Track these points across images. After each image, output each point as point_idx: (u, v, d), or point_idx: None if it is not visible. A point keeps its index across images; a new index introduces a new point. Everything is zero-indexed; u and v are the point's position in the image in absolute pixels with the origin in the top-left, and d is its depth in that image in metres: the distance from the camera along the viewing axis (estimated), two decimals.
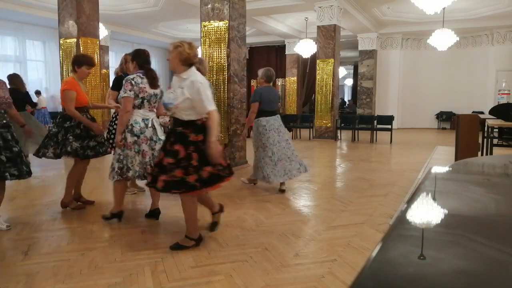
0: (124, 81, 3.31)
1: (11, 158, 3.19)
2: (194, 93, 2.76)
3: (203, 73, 3.80)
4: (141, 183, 4.38)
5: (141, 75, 3.34)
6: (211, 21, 6.16)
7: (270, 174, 4.48)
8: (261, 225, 3.44)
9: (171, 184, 2.72)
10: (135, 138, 3.29)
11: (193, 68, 2.89)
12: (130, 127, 3.29)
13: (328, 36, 10.50)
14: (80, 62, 3.83)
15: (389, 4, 11.30)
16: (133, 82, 3.26)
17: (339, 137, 10.91)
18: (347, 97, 25.59)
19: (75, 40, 6.98)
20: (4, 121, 3.27)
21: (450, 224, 0.88)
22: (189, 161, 2.72)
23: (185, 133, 2.78)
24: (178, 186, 2.73)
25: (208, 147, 2.73)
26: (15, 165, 3.20)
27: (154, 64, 17.53)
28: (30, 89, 10.41)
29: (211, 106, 2.80)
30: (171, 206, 4.00)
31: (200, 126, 2.81)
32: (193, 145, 2.75)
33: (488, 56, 13.71)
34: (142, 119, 3.35)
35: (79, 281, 2.38)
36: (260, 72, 4.81)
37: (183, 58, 2.80)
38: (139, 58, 3.48)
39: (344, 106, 20.39)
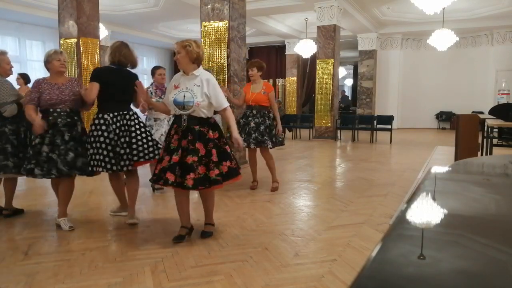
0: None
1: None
2: (211, 90, 2.91)
3: None
4: None
5: None
6: (211, 21, 6.16)
7: None
8: (261, 225, 3.44)
9: (198, 181, 2.82)
10: None
11: (201, 67, 3.03)
12: None
13: (328, 36, 10.50)
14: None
15: (389, 4, 11.30)
16: None
17: (339, 137, 10.91)
18: None
19: (75, 40, 6.97)
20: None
21: (450, 224, 0.88)
22: (210, 158, 2.86)
23: (202, 131, 2.89)
24: (203, 182, 2.84)
25: (235, 141, 3.03)
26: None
27: (154, 65, 17.51)
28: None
29: (226, 103, 3.01)
30: (172, 207, 4.00)
31: (214, 124, 2.98)
32: (211, 142, 2.90)
33: (488, 56, 13.72)
34: None
35: (79, 281, 2.38)
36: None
37: (193, 57, 2.89)
38: None
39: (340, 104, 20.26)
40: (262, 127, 4.55)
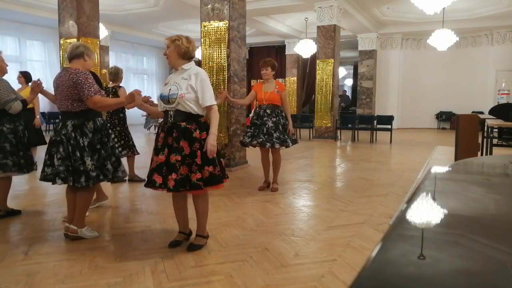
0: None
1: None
2: (199, 84, 2.74)
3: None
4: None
5: None
6: (211, 21, 6.16)
7: None
8: (261, 225, 3.44)
9: (179, 182, 2.66)
10: None
11: (193, 62, 2.89)
12: None
13: (328, 36, 10.50)
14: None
15: (389, 4, 11.30)
16: None
17: (339, 137, 10.92)
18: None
19: (75, 40, 6.97)
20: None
21: (450, 224, 0.88)
22: (194, 159, 2.68)
23: (189, 128, 2.71)
24: (184, 184, 2.67)
25: (207, 139, 2.72)
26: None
27: (154, 65, 17.53)
28: None
29: (212, 101, 2.79)
30: (171, 206, 4.00)
31: (204, 124, 2.80)
32: (197, 142, 2.70)
33: (488, 56, 13.72)
34: None
35: (79, 281, 2.37)
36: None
37: (182, 52, 2.78)
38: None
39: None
40: (280, 126, 4.55)
